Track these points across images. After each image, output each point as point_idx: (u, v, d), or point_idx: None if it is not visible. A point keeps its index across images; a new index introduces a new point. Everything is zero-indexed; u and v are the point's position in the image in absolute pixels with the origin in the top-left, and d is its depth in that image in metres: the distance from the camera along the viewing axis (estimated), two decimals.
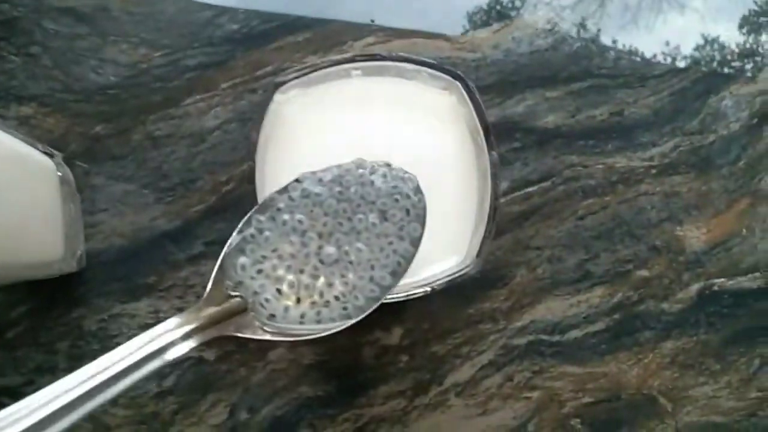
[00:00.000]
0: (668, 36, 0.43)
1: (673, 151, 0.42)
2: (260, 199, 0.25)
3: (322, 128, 0.28)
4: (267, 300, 0.24)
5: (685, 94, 0.43)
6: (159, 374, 0.38)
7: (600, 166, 0.41)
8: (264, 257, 0.24)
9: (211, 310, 0.22)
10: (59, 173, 0.36)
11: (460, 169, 0.28)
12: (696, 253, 0.42)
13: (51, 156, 0.36)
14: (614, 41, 0.42)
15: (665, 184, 0.42)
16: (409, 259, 0.26)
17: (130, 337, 0.37)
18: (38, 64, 0.39)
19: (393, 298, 0.28)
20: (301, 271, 0.25)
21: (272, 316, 0.24)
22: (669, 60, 0.42)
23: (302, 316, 0.24)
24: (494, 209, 0.26)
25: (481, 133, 0.26)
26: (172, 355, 0.21)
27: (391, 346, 0.39)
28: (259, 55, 0.40)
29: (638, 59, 0.42)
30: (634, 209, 0.41)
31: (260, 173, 0.26)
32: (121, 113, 0.39)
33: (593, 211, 0.41)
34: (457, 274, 0.27)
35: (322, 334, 0.24)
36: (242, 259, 0.24)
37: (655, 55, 0.42)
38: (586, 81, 0.42)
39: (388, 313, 0.39)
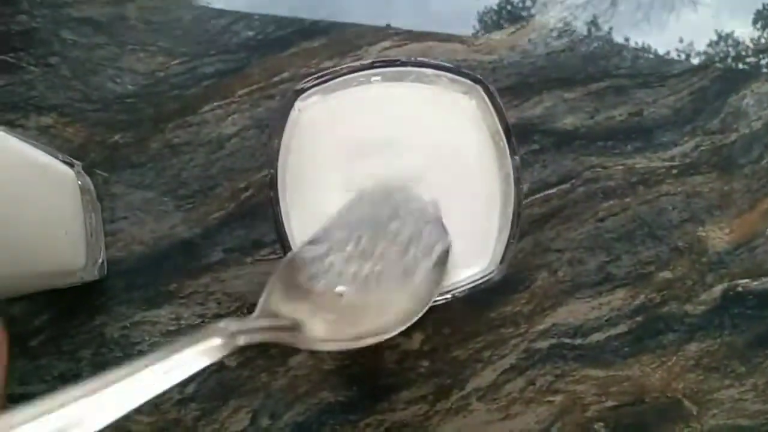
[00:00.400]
0: (681, 33, 0.42)
1: (694, 151, 0.42)
2: (282, 206, 0.25)
3: (344, 135, 0.27)
4: (340, 274, 0.24)
5: (705, 92, 0.42)
6: (181, 381, 0.38)
7: (620, 167, 0.41)
8: (331, 241, 0.25)
9: (262, 322, 0.22)
10: (79, 182, 0.36)
11: (482, 174, 0.28)
12: (719, 253, 0.41)
13: (71, 165, 0.36)
14: (627, 39, 0.42)
15: (686, 185, 0.41)
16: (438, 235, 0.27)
17: (152, 345, 0.38)
18: (57, 75, 0.39)
19: None
20: (360, 238, 0.25)
21: (341, 294, 0.24)
22: (683, 57, 0.42)
23: (366, 277, 0.25)
24: (518, 214, 0.25)
25: (503, 136, 0.26)
26: (213, 356, 0.20)
27: (412, 351, 0.39)
28: (276, 62, 0.40)
29: (652, 56, 0.42)
30: (655, 210, 0.41)
31: (281, 180, 0.26)
32: (140, 122, 0.39)
33: (614, 213, 0.41)
34: (480, 281, 0.26)
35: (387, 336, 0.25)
36: (313, 250, 0.25)
37: (668, 52, 0.42)
38: (604, 81, 0.42)
39: None
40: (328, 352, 0.38)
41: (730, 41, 0.42)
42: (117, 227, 0.39)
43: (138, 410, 0.38)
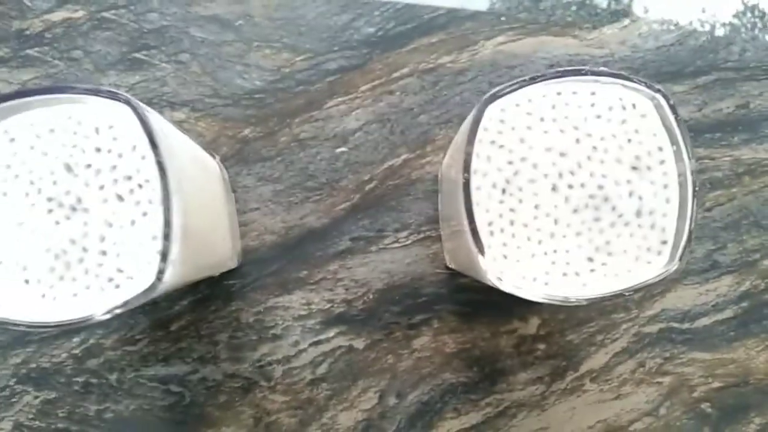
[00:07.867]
0: (704, 3, 0.42)
1: None
2: (475, 205, 0.26)
3: (532, 142, 0.27)
4: None
5: None
6: (313, 363, 0.40)
7: (727, 159, 0.42)
8: None
9: None
10: (222, 174, 0.38)
11: (660, 176, 0.28)
12: None
13: (213, 158, 0.38)
14: (646, 11, 0.42)
15: None
16: None
17: (285, 329, 0.40)
18: (188, 71, 0.41)
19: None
20: None
21: None
22: (708, 27, 0.42)
23: None
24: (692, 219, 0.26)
25: (680, 139, 0.26)
26: None
27: (529, 335, 0.41)
28: (396, 57, 0.42)
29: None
30: (760, 200, 0.42)
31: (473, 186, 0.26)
32: (268, 116, 0.41)
33: (720, 203, 0.42)
34: (658, 277, 0.28)
35: None
36: None
37: (691, 23, 0.42)
38: (711, 75, 0.43)
39: (525, 305, 0.41)
40: (449, 335, 0.41)
41: (756, 12, 0.42)
42: (249, 218, 0.41)
43: (272, 389, 0.41)
